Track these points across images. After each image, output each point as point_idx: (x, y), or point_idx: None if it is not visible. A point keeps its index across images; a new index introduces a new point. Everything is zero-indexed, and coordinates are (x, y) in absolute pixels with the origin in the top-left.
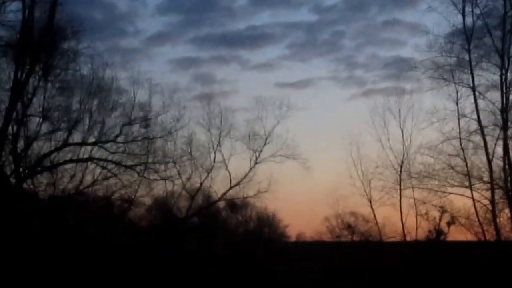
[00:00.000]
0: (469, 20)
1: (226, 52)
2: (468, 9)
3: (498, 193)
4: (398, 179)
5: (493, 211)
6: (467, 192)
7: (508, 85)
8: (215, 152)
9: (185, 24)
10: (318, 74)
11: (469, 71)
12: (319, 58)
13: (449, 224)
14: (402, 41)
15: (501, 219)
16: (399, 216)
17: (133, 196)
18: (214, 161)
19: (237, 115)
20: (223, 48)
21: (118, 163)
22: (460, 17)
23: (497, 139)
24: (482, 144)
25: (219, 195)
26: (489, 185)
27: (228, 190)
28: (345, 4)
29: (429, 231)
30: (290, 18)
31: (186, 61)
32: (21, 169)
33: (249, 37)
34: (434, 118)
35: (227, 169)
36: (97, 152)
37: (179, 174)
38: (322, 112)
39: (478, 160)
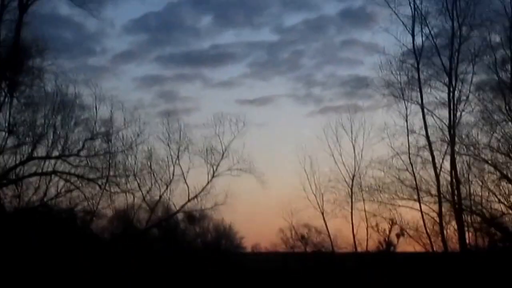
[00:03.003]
0: (419, 40)
1: (190, 70)
2: (417, 29)
3: (446, 206)
4: (350, 192)
5: (440, 224)
6: (416, 205)
7: (455, 102)
8: (174, 166)
9: (151, 43)
10: (278, 92)
11: (418, 89)
12: (279, 76)
13: (398, 235)
14: (359, 60)
15: (448, 231)
16: (350, 228)
17: (95, 208)
18: (173, 175)
19: (198, 131)
20: (186, 67)
21: (80, 176)
22: (410, 37)
23: (445, 154)
24: (430, 159)
25: (177, 208)
26: (436, 198)
27: (186, 203)
28: (305, 25)
29: (379, 242)
30: (252, 37)
31: (151, 78)
32: None
33: (212, 56)
34: (384, 134)
35: (185, 182)
36: (61, 166)
37: (139, 187)
38: (280, 128)
39: (427, 174)
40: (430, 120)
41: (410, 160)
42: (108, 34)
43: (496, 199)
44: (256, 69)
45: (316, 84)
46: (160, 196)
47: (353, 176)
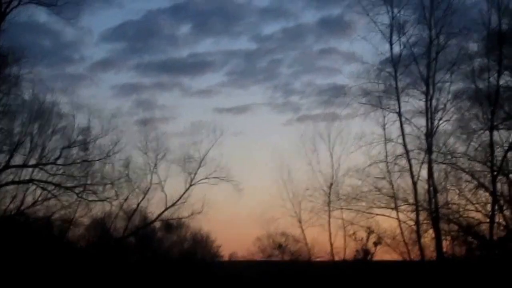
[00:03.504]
0: (396, 49)
1: (168, 78)
2: (395, 38)
3: (423, 215)
4: (327, 201)
5: (417, 232)
6: (393, 213)
7: (433, 111)
8: (151, 175)
9: (129, 52)
10: (255, 100)
11: (396, 98)
12: (257, 85)
13: (375, 244)
14: (337, 69)
15: (425, 239)
16: (328, 237)
17: (72, 217)
18: (150, 183)
19: (176, 140)
20: (165, 75)
21: (58, 185)
22: (388, 46)
23: (422, 162)
24: (407, 167)
25: (155, 216)
26: (414, 207)
27: (163, 211)
28: (283, 34)
29: (357, 251)
30: (231, 46)
31: (129, 87)
32: None
33: (191, 64)
34: (362, 143)
35: (163, 190)
36: (38, 174)
37: (116, 195)
38: (258, 136)
39: (404, 182)
40: (407, 128)
41: (387, 168)
42: (86, 42)
43: (473, 208)
44: (234, 78)
45: (294, 93)
46: (137, 205)
47: (331, 184)
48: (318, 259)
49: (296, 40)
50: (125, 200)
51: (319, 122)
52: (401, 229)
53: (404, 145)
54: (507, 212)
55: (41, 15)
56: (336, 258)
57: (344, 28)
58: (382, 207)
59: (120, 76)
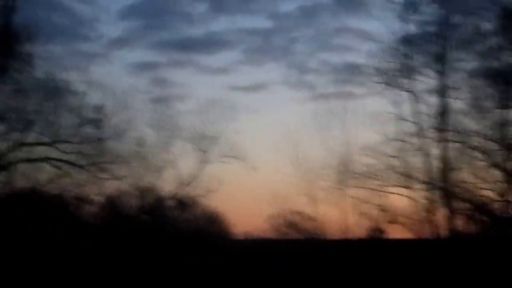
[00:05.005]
0: (410, 28)
1: (184, 56)
2: (409, 17)
3: (435, 193)
4: (340, 179)
5: (430, 210)
6: (406, 191)
7: (446, 89)
8: (164, 153)
9: (145, 29)
10: (271, 79)
11: (409, 76)
12: (272, 63)
13: (388, 222)
14: (353, 47)
15: (438, 217)
16: (340, 215)
17: (85, 195)
18: (163, 161)
19: (190, 118)
20: (180, 53)
21: (71, 163)
22: (403, 24)
23: (435, 141)
24: (420, 146)
25: (168, 194)
26: (426, 185)
27: (176, 189)
28: (300, 12)
29: (370, 229)
30: (247, 24)
31: (144, 65)
32: None
33: (207, 43)
34: (375, 121)
35: (176, 169)
36: (52, 152)
37: (129, 173)
38: (273, 114)
39: (417, 161)
40: (420, 107)
41: (400, 147)
42: (103, 20)
43: (486, 186)
44: (250, 56)
45: (309, 71)
46: (150, 183)
47: (344, 163)
48: (331, 237)
49: (312, 18)
50: (138, 178)
51: (334, 101)
52: (413, 207)
53: (417, 123)
54: None
55: None
56: (349, 236)
57: (360, 6)
58: (395, 186)
59: (136, 54)
